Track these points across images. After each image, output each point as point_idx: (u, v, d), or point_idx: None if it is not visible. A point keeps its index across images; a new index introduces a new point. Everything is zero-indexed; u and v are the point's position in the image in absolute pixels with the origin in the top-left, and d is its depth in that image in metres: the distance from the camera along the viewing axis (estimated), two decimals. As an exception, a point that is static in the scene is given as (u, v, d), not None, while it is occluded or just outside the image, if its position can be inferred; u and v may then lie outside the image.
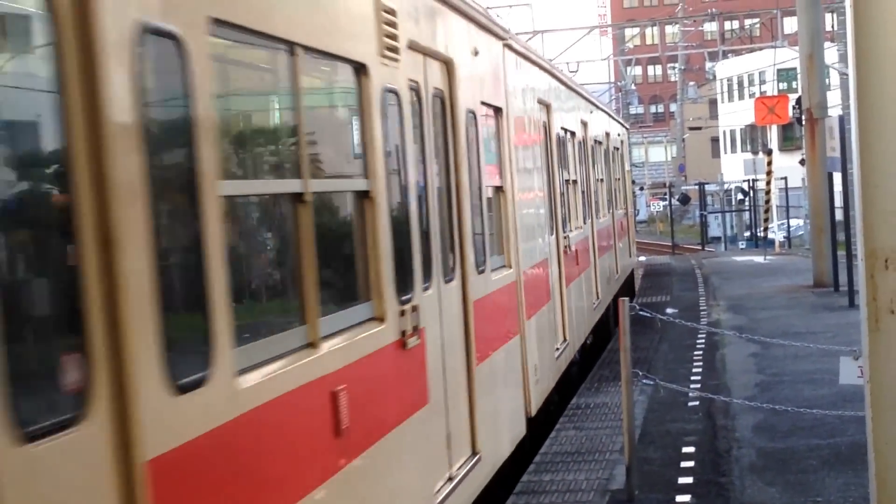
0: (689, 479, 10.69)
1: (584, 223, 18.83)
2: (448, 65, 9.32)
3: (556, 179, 15.41)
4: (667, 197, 69.77)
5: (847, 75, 32.82)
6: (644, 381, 11.52)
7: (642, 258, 41.68)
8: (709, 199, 62.43)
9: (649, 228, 76.73)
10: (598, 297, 19.75)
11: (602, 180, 22.85)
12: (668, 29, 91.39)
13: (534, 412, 12.02)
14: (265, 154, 6.10)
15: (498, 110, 11.47)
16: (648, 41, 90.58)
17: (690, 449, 11.80)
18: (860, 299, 5.86)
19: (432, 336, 8.10)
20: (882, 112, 5.64)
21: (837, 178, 24.61)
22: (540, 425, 12.79)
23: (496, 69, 11.51)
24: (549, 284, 14.04)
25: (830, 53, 33.58)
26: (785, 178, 46.92)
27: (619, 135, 28.64)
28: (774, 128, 58.99)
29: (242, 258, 5.48)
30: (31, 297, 3.82)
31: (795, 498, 10.00)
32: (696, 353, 17.95)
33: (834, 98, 34.23)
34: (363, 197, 6.95)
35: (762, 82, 75.66)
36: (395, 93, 7.62)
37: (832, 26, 39.86)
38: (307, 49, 5.98)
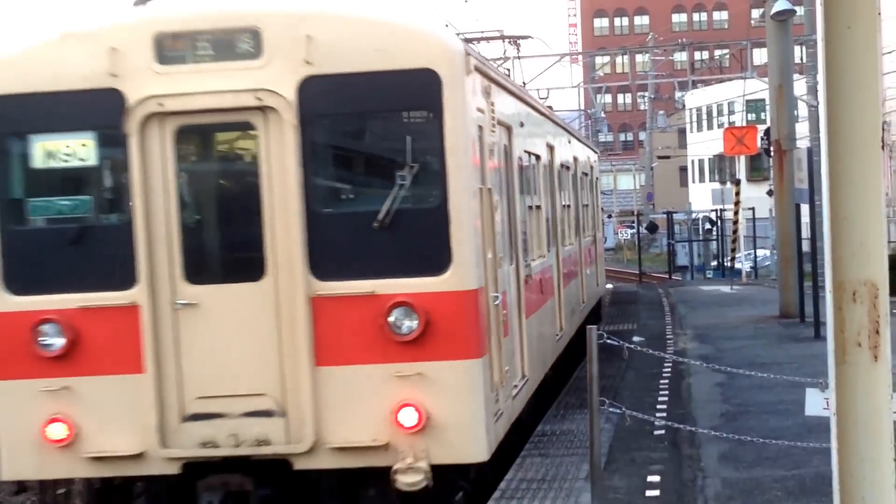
0: (654, 509, 10.68)
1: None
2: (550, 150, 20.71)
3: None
4: (635, 225, 69.97)
5: (815, 107, 33.04)
6: (610, 409, 11.51)
7: (609, 286, 41.74)
8: (676, 227, 62.55)
9: (617, 256, 76.85)
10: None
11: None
12: (639, 58, 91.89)
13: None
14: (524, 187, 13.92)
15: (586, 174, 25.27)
16: (619, 70, 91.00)
17: (656, 478, 11.79)
18: (828, 331, 5.85)
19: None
20: (852, 144, 5.65)
21: (805, 209, 24.76)
22: (505, 450, 12.79)
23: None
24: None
25: (799, 85, 33.80)
26: (752, 209, 47.13)
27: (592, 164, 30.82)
28: (743, 158, 59.15)
29: (522, 231, 12.16)
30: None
31: (760, 528, 10.01)
32: (662, 381, 17.95)
33: (802, 129, 34.44)
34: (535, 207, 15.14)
35: (731, 113, 76.13)
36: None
37: (801, 59, 40.06)
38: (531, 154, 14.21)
